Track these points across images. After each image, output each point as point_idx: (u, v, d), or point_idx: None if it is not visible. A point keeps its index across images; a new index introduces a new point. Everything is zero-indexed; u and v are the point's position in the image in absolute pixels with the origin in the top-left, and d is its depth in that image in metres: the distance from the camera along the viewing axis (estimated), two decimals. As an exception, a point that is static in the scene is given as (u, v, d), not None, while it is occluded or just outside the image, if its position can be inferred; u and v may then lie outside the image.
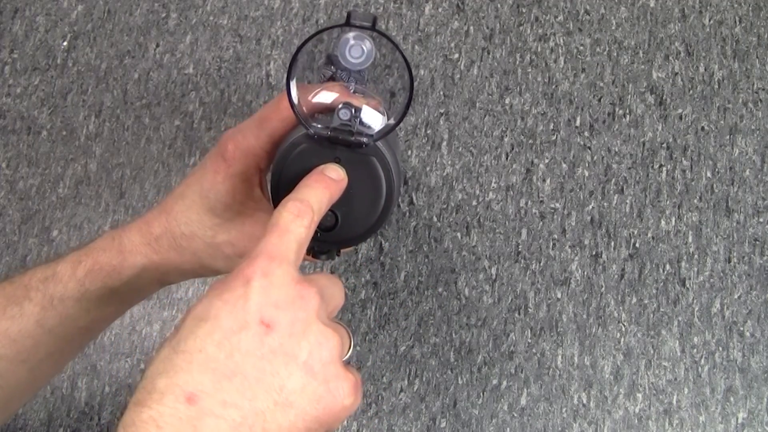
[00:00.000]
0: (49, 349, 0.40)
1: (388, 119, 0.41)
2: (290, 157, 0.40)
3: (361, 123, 0.41)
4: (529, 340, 0.69)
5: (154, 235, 0.42)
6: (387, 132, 0.41)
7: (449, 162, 0.74)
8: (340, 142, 0.40)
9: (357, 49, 0.41)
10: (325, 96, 0.42)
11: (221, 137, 0.44)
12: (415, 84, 0.41)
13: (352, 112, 0.40)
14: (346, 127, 0.40)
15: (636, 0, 0.79)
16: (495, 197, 0.73)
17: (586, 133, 0.75)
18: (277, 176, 0.41)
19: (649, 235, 0.72)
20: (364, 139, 0.40)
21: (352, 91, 0.43)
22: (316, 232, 0.39)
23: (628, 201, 0.73)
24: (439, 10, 0.78)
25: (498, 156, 0.74)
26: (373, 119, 0.41)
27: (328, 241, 0.41)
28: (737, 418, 0.68)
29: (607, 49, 0.77)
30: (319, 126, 0.40)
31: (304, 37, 0.42)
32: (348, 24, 0.38)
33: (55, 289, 0.39)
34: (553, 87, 0.76)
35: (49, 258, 0.42)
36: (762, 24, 0.78)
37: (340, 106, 0.40)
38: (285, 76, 0.39)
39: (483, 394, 0.68)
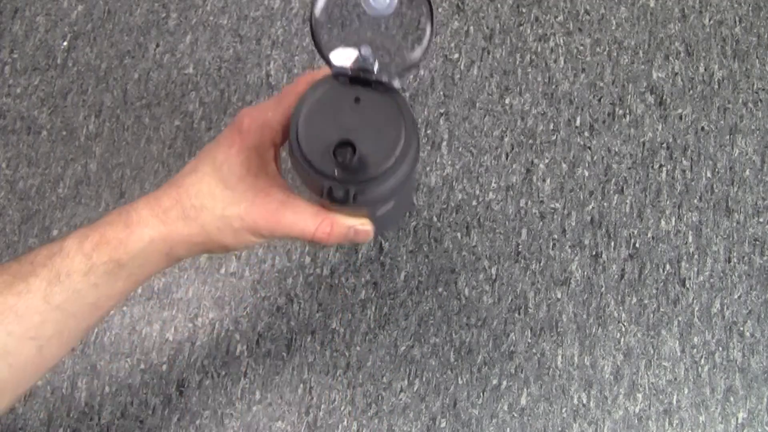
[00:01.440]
0: (56, 327, 0.40)
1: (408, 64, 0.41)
2: (311, 96, 0.40)
3: (382, 63, 0.41)
4: (529, 340, 0.69)
5: (163, 208, 0.42)
6: (408, 69, 0.41)
7: (449, 162, 0.74)
8: (360, 81, 0.40)
9: None
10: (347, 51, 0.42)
11: (238, 114, 0.44)
12: (436, 22, 0.41)
13: (372, 51, 0.40)
14: (368, 65, 0.40)
15: (636, 0, 0.79)
16: (495, 197, 0.73)
17: (586, 133, 0.75)
18: (297, 116, 0.40)
19: (649, 235, 0.72)
20: (385, 78, 0.40)
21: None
22: (333, 171, 0.39)
23: (628, 201, 0.73)
24: (439, 10, 0.78)
25: (498, 156, 0.74)
26: (394, 61, 0.41)
27: (345, 181, 0.40)
28: (737, 418, 0.68)
29: (607, 49, 0.77)
30: (340, 65, 0.40)
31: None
32: None
33: (61, 264, 0.39)
34: (553, 87, 0.76)
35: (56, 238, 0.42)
36: (762, 24, 0.78)
37: (362, 46, 0.40)
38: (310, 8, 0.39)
39: (483, 394, 0.68)
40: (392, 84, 0.41)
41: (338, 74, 0.41)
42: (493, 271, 0.71)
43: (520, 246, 0.72)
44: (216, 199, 0.42)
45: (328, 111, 0.40)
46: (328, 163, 0.40)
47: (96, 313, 0.42)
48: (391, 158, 0.40)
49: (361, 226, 0.45)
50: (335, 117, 0.41)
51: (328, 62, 0.40)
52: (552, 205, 0.73)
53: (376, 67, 0.41)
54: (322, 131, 0.40)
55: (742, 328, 0.70)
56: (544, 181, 0.73)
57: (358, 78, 0.40)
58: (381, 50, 0.41)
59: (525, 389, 0.68)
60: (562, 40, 0.77)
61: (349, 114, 0.41)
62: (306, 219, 0.43)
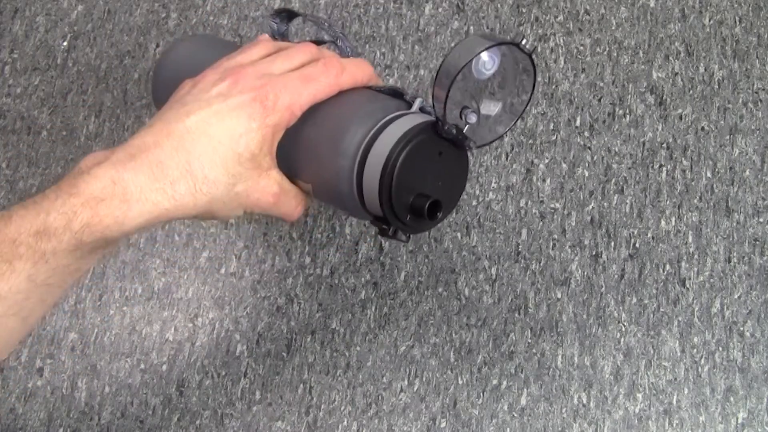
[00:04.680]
0: (40, 298, 0.38)
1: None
2: (408, 148, 0.41)
3: (472, 126, 0.43)
4: (529, 340, 0.69)
5: (170, 179, 0.38)
6: (495, 140, 0.45)
7: (449, 162, 0.74)
8: (452, 141, 0.43)
9: (489, 62, 0.42)
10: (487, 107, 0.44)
11: (259, 82, 0.41)
12: (533, 99, 0.44)
13: (477, 116, 0.43)
14: (462, 125, 0.43)
15: (636, 0, 0.79)
16: (495, 197, 0.73)
17: (586, 133, 0.75)
18: (394, 163, 0.40)
19: (649, 235, 0.72)
20: (472, 144, 0.43)
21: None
22: (407, 216, 0.42)
23: (628, 201, 0.73)
24: (439, 10, 0.78)
25: (498, 156, 0.74)
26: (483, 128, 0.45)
27: (410, 227, 0.43)
28: (737, 418, 0.68)
29: (607, 49, 0.77)
30: (449, 124, 0.42)
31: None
32: (518, 46, 0.41)
33: (47, 245, 0.36)
34: (553, 87, 0.76)
35: (32, 198, 0.37)
36: (762, 24, 0.78)
37: (470, 109, 0.42)
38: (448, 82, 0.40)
39: (483, 394, 0.68)
40: (469, 144, 0.43)
41: (439, 133, 0.42)
42: (493, 271, 0.71)
43: (520, 246, 0.72)
44: (229, 173, 0.40)
45: (417, 161, 0.42)
46: (405, 209, 0.42)
47: (78, 275, 0.40)
48: (451, 211, 0.45)
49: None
50: (421, 168, 0.42)
51: (443, 115, 0.41)
52: (552, 205, 0.73)
53: (466, 128, 0.43)
54: (411, 181, 0.42)
55: (742, 328, 0.70)
56: (544, 181, 0.73)
57: (454, 138, 0.42)
58: (475, 113, 0.44)
59: (525, 389, 0.68)
60: (562, 40, 0.77)
61: (432, 166, 0.43)
62: (295, 205, 0.45)
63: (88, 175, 0.37)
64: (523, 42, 0.40)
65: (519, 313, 0.70)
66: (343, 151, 0.42)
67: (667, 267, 0.71)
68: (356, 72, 0.45)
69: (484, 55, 0.41)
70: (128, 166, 0.37)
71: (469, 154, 0.45)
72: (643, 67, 0.76)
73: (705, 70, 0.77)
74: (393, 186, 0.41)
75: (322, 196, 0.45)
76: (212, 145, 0.39)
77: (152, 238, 0.72)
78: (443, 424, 0.67)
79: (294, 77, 0.42)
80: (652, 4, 0.78)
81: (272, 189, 0.43)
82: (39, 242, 0.36)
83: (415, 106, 0.44)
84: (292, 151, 0.45)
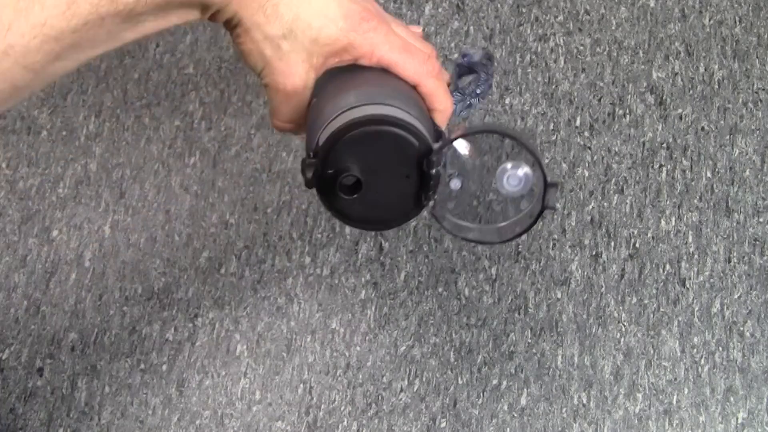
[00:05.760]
0: (72, 41, 0.37)
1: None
2: (380, 126, 0.37)
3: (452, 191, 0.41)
4: (529, 340, 0.69)
5: None
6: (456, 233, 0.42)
7: (449, 162, 0.74)
8: (423, 173, 0.39)
9: (514, 178, 0.41)
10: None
11: (377, 15, 0.42)
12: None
13: (461, 186, 0.41)
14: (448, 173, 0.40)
15: (636, 0, 0.79)
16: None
17: (586, 133, 0.75)
18: (352, 126, 0.36)
19: (649, 235, 0.72)
20: (432, 197, 0.40)
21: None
22: (334, 189, 0.37)
23: (628, 201, 0.73)
24: (439, 10, 0.78)
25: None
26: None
27: (341, 208, 0.39)
28: (737, 418, 0.68)
29: (607, 49, 0.77)
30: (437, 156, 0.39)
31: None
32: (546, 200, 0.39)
33: None
34: (553, 87, 0.76)
35: None
36: (762, 24, 0.78)
37: (462, 178, 0.41)
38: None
39: (483, 394, 0.68)
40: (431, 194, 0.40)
41: (432, 151, 0.38)
42: (493, 271, 0.71)
43: (520, 246, 0.72)
44: (284, 20, 0.39)
45: (378, 148, 0.38)
46: (327, 167, 0.38)
47: (106, 38, 0.39)
48: (393, 212, 0.39)
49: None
50: (377, 160, 0.38)
51: (441, 146, 0.39)
52: (552, 205, 0.73)
53: (446, 189, 0.40)
54: (356, 155, 0.38)
55: (742, 328, 0.70)
56: (544, 181, 0.73)
57: (430, 162, 0.38)
58: (461, 182, 0.41)
59: (525, 389, 0.68)
60: (562, 40, 0.77)
61: (389, 174, 0.39)
62: (286, 112, 0.43)
63: None
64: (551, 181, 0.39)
65: (519, 313, 0.70)
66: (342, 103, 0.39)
67: (667, 267, 0.71)
68: (440, 86, 0.44)
69: (508, 170, 0.40)
70: None
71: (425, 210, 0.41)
72: (643, 67, 0.77)
73: (705, 70, 0.77)
74: (336, 138, 0.37)
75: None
76: (306, 6, 0.39)
77: (152, 238, 0.72)
78: (443, 424, 0.67)
79: (401, 39, 0.42)
80: (652, 4, 0.78)
81: (294, 73, 0.41)
82: None
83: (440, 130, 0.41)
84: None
